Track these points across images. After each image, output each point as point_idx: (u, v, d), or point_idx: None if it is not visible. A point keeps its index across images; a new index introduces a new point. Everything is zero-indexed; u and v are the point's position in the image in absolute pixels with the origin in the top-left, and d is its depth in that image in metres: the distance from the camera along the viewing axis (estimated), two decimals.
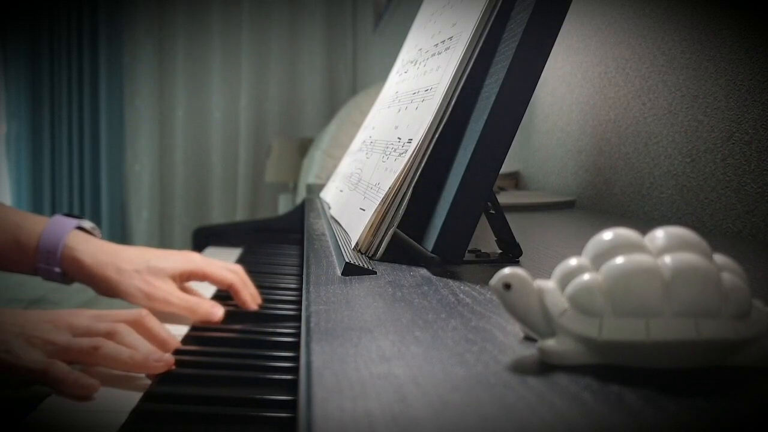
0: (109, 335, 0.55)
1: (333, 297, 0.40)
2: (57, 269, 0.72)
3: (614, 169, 0.97)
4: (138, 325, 0.58)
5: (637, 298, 0.26)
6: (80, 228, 0.75)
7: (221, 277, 0.75)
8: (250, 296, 0.75)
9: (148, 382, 0.52)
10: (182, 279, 0.75)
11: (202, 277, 0.75)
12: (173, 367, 0.53)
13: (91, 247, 0.73)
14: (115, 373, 0.53)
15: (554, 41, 0.48)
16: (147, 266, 0.72)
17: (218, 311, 0.70)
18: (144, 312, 0.59)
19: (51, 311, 0.57)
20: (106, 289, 0.72)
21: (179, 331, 0.65)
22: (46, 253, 0.72)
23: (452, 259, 0.49)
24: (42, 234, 0.72)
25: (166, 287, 0.71)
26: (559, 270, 0.29)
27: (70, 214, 0.76)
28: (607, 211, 0.98)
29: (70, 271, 0.72)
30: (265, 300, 0.77)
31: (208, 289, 0.82)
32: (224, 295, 0.78)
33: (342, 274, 0.47)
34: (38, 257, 0.72)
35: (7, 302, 1.14)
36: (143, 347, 0.55)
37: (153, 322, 0.59)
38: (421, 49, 0.72)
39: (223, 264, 0.77)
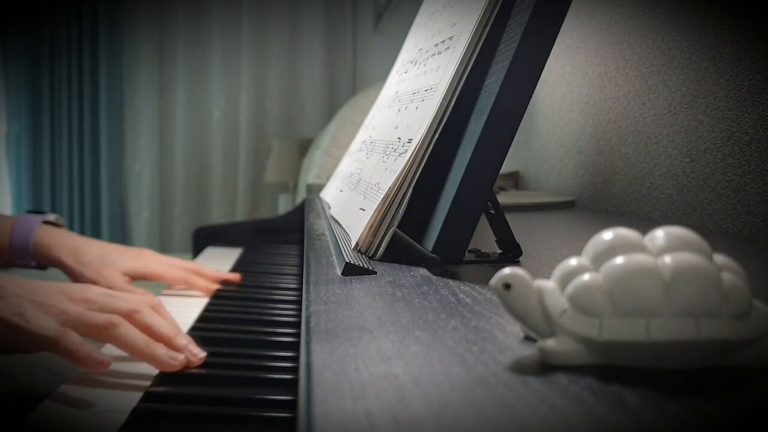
0: (131, 314, 0.54)
1: (333, 297, 0.40)
2: (32, 262, 0.81)
3: (614, 169, 0.97)
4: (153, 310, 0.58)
5: (637, 298, 0.26)
6: (47, 222, 0.84)
7: (170, 276, 0.83)
8: (206, 284, 0.82)
9: (148, 382, 0.52)
10: (134, 277, 0.82)
11: (151, 276, 0.83)
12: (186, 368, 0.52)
13: (58, 239, 0.82)
14: (115, 371, 0.53)
15: (554, 41, 0.48)
16: (102, 261, 0.80)
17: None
18: (157, 300, 0.59)
19: (64, 284, 0.56)
20: (69, 275, 0.81)
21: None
22: (20, 250, 0.81)
23: (452, 259, 0.49)
24: (13, 233, 0.81)
25: (111, 279, 0.79)
26: (559, 270, 0.29)
27: (36, 211, 0.85)
28: (607, 211, 0.98)
29: (43, 261, 0.82)
30: (265, 300, 0.77)
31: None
32: (225, 294, 0.77)
33: (342, 274, 0.47)
34: (13, 254, 0.81)
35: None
36: (165, 328, 0.54)
37: (165, 311, 0.59)
38: (421, 49, 0.72)
39: (171, 261, 0.85)
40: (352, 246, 0.55)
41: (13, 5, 3.55)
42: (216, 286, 0.83)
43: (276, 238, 1.27)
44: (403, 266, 0.49)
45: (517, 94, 0.48)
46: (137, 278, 0.83)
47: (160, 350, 0.52)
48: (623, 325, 0.26)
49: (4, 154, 3.70)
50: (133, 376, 0.53)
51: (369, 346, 0.30)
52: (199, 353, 0.54)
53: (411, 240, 0.51)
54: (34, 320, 0.50)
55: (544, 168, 1.24)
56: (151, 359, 0.52)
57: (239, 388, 0.50)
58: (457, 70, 0.53)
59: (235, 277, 0.86)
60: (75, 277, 0.80)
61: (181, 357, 0.52)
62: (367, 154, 0.76)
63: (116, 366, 0.53)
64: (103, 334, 0.52)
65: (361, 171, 0.73)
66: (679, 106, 0.81)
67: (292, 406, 0.46)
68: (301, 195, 2.07)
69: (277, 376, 0.52)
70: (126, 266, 0.81)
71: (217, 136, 3.67)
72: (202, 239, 1.28)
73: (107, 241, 0.82)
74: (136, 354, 0.52)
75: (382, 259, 0.52)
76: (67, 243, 0.82)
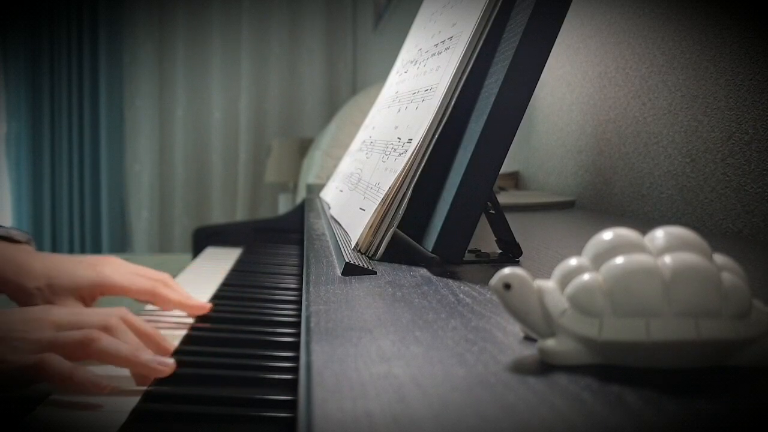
0: (105, 329, 0.51)
1: (333, 297, 0.40)
2: None
3: (614, 169, 0.97)
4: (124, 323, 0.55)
5: (637, 298, 0.26)
6: (4, 238, 0.70)
7: (134, 287, 0.68)
8: (178, 298, 0.68)
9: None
10: (92, 295, 0.69)
11: (110, 289, 0.68)
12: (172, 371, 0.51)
13: (1, 259, 0.67)
14: (114, 373, 0.53)
15: (554, 41, 0.48)
16: (49, 284, 0.67)
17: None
18: (124, 310, 0.56)
19: (26, 309, 0.53)
20: (16, 302, 0.67)
21: (176, 332, 0.65)
22: None
23: (452, 259, 0.49)
24: None
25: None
26: (559, 270, 0.29)
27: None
28: (607, 211, 0.98)
29: None
30: (265, 300, 0.77)
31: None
32: (225, 294, 0.77)
33: (342, 274, 0.47)
34: None
35: (4, 303, 1.14)
36: (140, 346, 0.53)
37: (137, 320, 0.56)
38: (421, 49, 0.71)
39: (136, 270, 0.71)
40: (352, 246, 0.55)
41: (13, 5, 3.55)
42: (191, 302, 0.69)
43: (276, 238, 1.27)
44: (403, 266, 0.49)
45: (517, 94, 0.48)
46: (95, 294, 0.69)
47: (148, 356, 0.50)
48: (623, 325, 0.26)
49: (4, 154, 3.70)
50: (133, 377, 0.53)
51: (369, 346, 0.30)
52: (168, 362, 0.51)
53: (411, 240, 0.51)
54: (8, 357, 0.47)
55: (544, 168, 1.24)
56: (138, 366, 0.50)
57: (239, 389, 0.50)
58: (457, 70, 0.53)
59: (205, 307, 0.70)
60: (23, 304, 0.66)
61: (171, 361, 0.50)
62: (367, 154, 0.76)
63: (116, 367, 0.53)
64: (83, 351, 0.49)
65: (361, 171, 0.73)
66: (679, 106, 0.80)
67: (292, 406, 0.46)
68: (301, 195, 2.07)
69: (277, 376, 0.52)
70: (78, 285, 0.67)
71: (217, 136, 3.67)
72: (202, 239, 1.28)
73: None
74: (123, 363, 0.50)
75: (382, 259, 0.52)
76: (9, 266, 0.67)
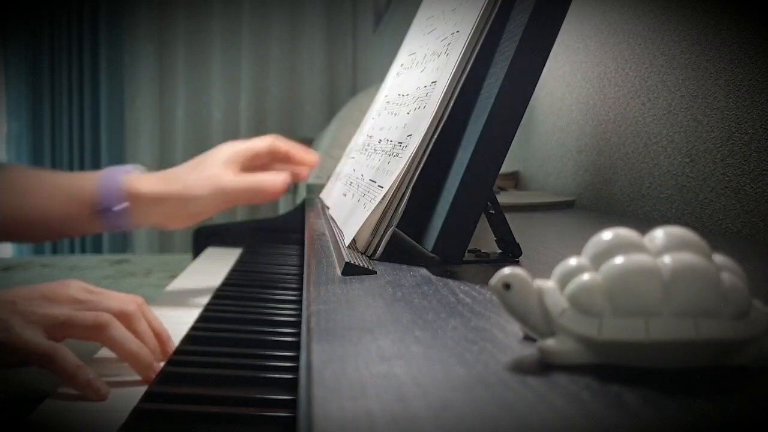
0: (121, 316, 0.52)
1: (333, 297, 0.40)
2: (122, 204, 0.69)
3: (614, 169, 0.97)
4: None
5: (636, 298, 0.26)
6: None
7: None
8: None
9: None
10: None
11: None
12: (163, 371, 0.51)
13: (151, 176, 0.72)
14: (115, 373, 0.53)
15: (554, 41, 0.48)
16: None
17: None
18: (141, 300, 0.57)
19: (43, 285, 0.53)
20: (177, 206, 0.71)
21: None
22: (107, 193, 0.69)
23: (452, 259, 0.49)
24: (97, 180, 0.71)
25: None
26: (559, 270, 0.29)
27: None
28: (606, 211, 0.98)
29: (135, 203, 0.70)
30: (265, 300, 0.77)
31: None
32: (225, 294, 0.77)
33: (342, 274, 0.47)
34: (99, 200, 0.69)
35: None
36: (150, 341, 0.53)
37: (150, 313, 0.57)
38: (420, 49, 0.72)
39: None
40: (347, 243, 0.55)
41: (14, 5, 3.55)
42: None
43: (276, 238, 1.27)
44: (403, 266, 0.49)
45: (517, 94, 0.48)
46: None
47: (150, 358, 0.51)
48: (622, 325, 0.26)
49: (4, 154, 3.70)
50: (134, 376, 0.53)
51: (369, 345, 0.30)
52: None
53: (411, 240, 0.51)
54: (22, 334, 0.47)
55: (544, 168, 1.24)
56: (139, 365, 0.50)
57: (239, 388, 0.50)
58: (456, 70, 0.53)
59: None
60: (183, 202, 0.73)
61: (160, 365, 0.51)
62: (366, 155, 0.76)
63: (116, 366, 0.53)
64: (92, 334, 0.50)
65: (359, 172, 0.73)
66: (678, 106, 0.81)
67: (292, 405, 0.46)
68: (301, 195, 2.07)
69: (277, 375, 0.52)
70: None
71: (217, 137, 3.67)
72: (203, 239, 1.28)
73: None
74: (127, 357, 0.51)
75: (382, 259, 0.52)
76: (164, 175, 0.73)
